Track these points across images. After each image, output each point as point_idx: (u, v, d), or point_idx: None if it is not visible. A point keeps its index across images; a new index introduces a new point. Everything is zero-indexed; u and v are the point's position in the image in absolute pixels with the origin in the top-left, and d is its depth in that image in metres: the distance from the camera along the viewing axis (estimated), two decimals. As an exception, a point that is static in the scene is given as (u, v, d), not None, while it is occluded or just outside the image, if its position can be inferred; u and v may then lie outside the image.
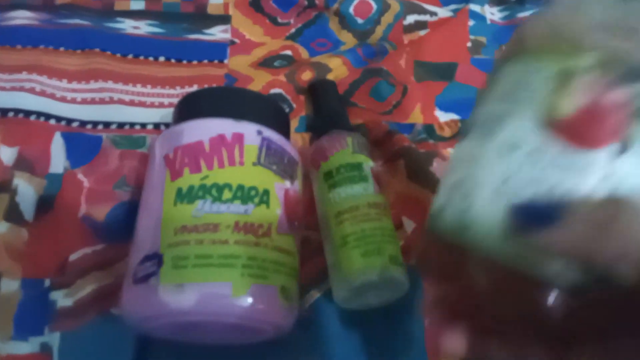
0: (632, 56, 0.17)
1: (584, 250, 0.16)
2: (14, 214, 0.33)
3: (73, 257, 0.32)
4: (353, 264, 0.30)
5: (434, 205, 0.20)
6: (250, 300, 0.25)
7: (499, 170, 0.17)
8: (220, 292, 0.25)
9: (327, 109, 0.39)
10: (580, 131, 0.17)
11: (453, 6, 0.48)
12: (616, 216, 0.15)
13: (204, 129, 0.29)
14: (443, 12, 0.47)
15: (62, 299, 0.31)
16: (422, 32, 0.46)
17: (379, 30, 0.47)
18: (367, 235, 0.30)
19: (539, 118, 0.17)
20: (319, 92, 0.40)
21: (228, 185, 0.27)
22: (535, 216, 0.16)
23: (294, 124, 0.40)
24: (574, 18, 0.19)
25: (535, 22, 0.20)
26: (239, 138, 0.29)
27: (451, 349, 0.19)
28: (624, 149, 0.16)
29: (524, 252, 0.17)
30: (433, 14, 0.47)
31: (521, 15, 0.48)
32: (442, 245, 0.19)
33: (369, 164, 0.33)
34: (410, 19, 0.47)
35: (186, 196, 0.27)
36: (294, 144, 0.33)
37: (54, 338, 0.30)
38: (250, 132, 0.29)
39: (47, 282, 0.31)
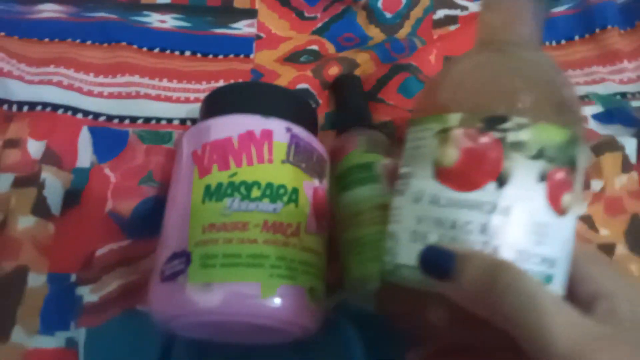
0: (488, 108, 0.20)
1: (472, 306, 0.18)
2: (41, 208, 0.33)
3: (100, 252, 0.32)
4: (353, 272, 0.29)
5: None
6: (278, 301, 0.25)
7: (412, 218, 0.21)
8: (248, 292, 0.24)
9: (349, 105, 0.38)
10: (462, 175, 0.20)
11: (485, 0, 0.46)
12: (493, 286, 0.18)
13: (232, 125, 0.28)
14: (474, 7, 0.46)
15: (87, 295, 0.31)
16: (453, 27, 0.45)
17: (408, 25, 0.45)
18: (370, 240, 0.29)
19: (433, 171, 0.21)
20: (342, 88, 0.39)
21: (257, 183, 0.27)
22: (431, 267, 0.19)
23: (320, 120, 0.39)
24: (441, 85, 0.23)
25: (421, 93, 0.25)
26: (268, 135, 0.28)
27: None
28: (503, 181, 0.19)
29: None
30: (464, 8, 0.46)
31: (555, 10, 0.46)
32: (393, 287, 0.22)
33: (381, 163, 0.31)
34: (441, 13, 0.46)
35: (215, 194, 0.26)
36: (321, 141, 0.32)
37: (79, 333, 0.30)
38: (279, 129, 0.29)
39: (73, 277, 0.31)
